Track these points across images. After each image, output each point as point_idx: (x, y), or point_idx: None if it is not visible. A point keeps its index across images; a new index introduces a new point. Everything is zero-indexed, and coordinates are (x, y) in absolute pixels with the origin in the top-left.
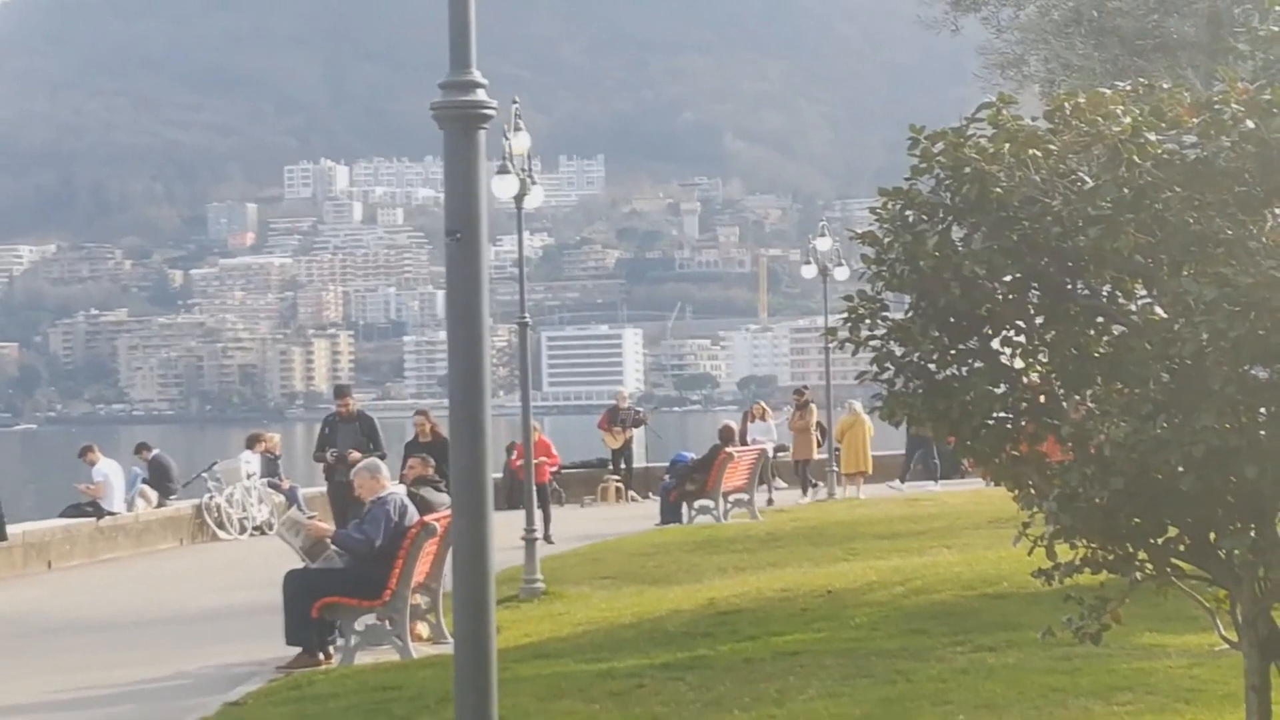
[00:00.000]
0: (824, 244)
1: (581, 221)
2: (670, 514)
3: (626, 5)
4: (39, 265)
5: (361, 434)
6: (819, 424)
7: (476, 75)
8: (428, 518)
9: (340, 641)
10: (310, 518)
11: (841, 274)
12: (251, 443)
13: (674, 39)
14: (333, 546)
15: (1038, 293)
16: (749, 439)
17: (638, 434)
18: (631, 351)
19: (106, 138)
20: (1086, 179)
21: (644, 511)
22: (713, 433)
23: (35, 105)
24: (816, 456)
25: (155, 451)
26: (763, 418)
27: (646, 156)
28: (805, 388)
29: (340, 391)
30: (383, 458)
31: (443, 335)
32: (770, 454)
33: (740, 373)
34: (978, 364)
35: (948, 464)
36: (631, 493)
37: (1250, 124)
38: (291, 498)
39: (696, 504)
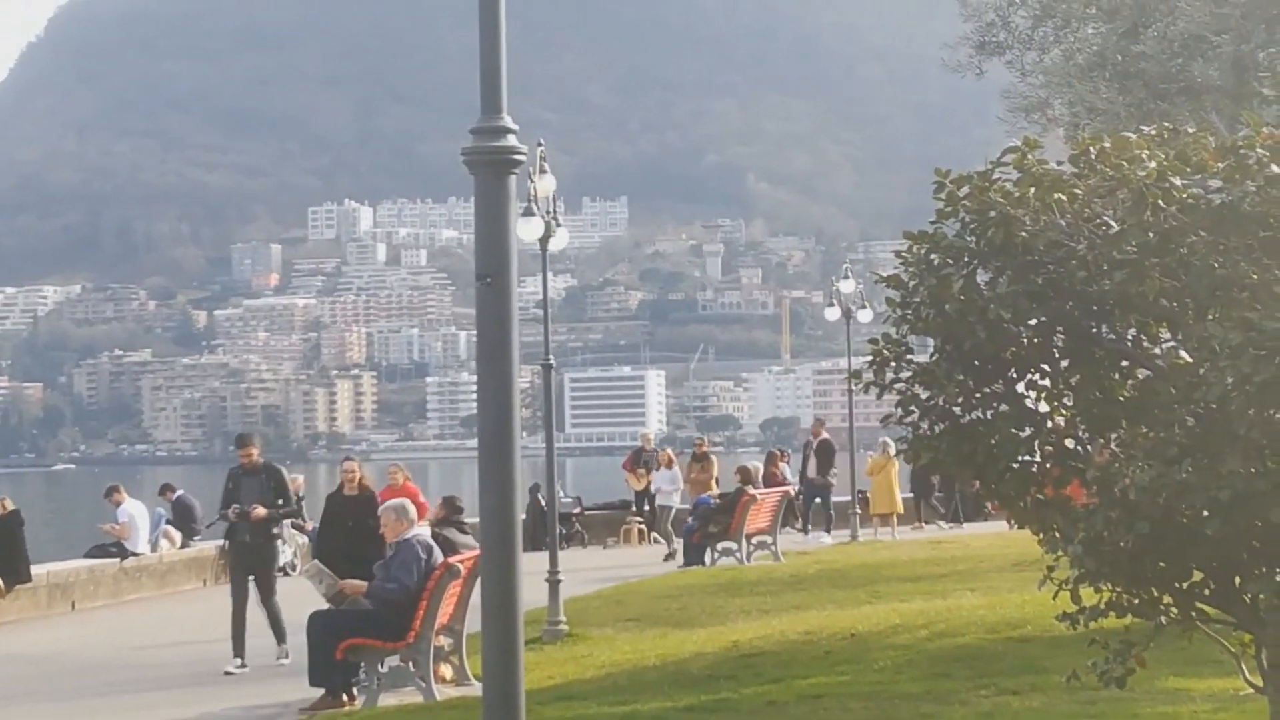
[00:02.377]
0: (847, 286)
1: (605, 263)
2: (693, 556)
3: (651, 47)
4: (64, 305)
5: (268, 488)
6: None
7: (507, 121)
8: (452, 559)
9: (364, 683)
10: None
11: (865, 316)
12: None
13: (698, 81)
14: (366, 602)
15: (1063, 336)
16: (653, 488)
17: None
18: (654, 393)
19: (133, 178)
20: (1111, 223)
21: (667, 553)
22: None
23: (62, 145)
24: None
25: (179, 492)
26: (669, 466)
27: (670, 198)
28: (703, 439)
29: (242, 441)
30: (291, 514)
31: (465, 376)
32: (675, 504)
33: (763, 414)
34: (1003, 407)
35: (969, 505)
36: (654, 534)
37: (1275, 168)
38: (315, 538)
39: (719, 546)
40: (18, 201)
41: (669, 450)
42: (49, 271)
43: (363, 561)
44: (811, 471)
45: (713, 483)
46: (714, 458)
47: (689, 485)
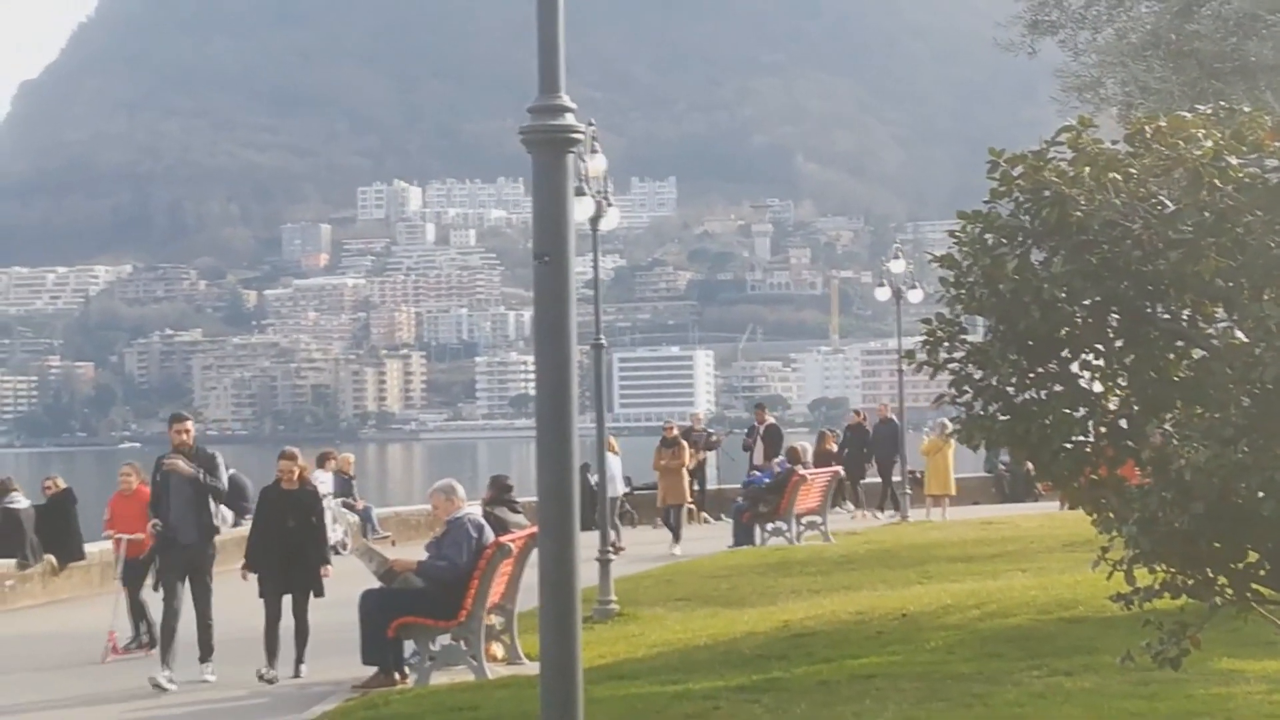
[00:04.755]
0: (898, 266)
1: (653, 243)
2: (743, 536)
3: (694, 26)
4: (115, 285)
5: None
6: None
7: (565, 100)
8: (503, 538)
9: (416, 661)
10: (382, 538)
11: (915, 296)
12: (321, 461)
13: (743, 60)
14: (417, 580)
15: (1117, 316)
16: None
17: (710, 456)
18: (703, 373)
19: (183, 158)
20: (1167, 203)
21: (717, 533)
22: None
23: (112, 126)
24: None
25: (230, 471)
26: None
27: (718, 178)
28: (671, 423)
29: (176, 418)
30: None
31: (514, 356)
32: (618, 493)
33: (811, 395)
34: (1057, 388)
35: (1019, 486)
36: (704, 514)
37: None
38: (365, 517)
39: (769, 526)
40: (68, 181)
41: (612, 438)
42: (99, 251)
43: (303, 565)
44: (758, 458)
45: (684, 471)
46: (685, 443)
47: (658, 473)
